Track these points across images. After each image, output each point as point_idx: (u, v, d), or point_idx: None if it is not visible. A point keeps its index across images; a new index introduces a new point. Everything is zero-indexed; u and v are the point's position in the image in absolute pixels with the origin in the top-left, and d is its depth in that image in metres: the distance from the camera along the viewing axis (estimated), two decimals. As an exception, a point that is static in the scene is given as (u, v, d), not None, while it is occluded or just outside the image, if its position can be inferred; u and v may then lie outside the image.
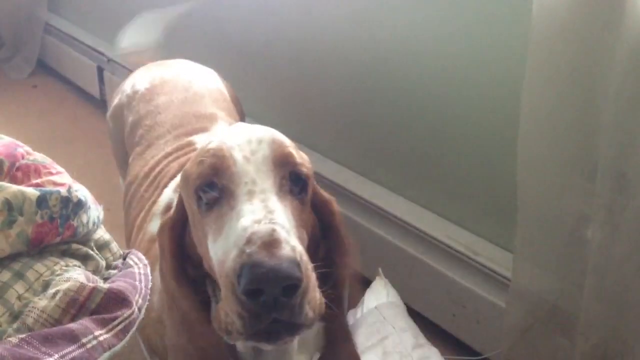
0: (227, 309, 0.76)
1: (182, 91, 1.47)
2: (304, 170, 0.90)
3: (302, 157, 0.92)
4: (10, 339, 0.60)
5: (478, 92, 1.44)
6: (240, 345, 0.95)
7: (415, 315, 1.50)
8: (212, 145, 0.89)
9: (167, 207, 1.17)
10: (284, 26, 1.88)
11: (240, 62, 2.06)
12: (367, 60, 1.66)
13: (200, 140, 1.31)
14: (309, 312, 0.76)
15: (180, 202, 0.95)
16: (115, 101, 1.58)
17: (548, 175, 1.21)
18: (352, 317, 1.42)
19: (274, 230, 0.75)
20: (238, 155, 0.86)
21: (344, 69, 1.73)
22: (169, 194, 1.22)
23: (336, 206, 0.99)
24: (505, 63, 1.36)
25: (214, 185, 0.86)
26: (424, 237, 1.58)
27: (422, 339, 1.25)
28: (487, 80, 1.41)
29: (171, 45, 1.93)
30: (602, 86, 1.10)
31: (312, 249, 0.93)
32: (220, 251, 0.81)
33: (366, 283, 1.50)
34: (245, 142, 0.88)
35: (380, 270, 1.48)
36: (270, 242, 0.73)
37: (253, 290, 0.71)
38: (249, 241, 0.74)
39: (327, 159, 1.84)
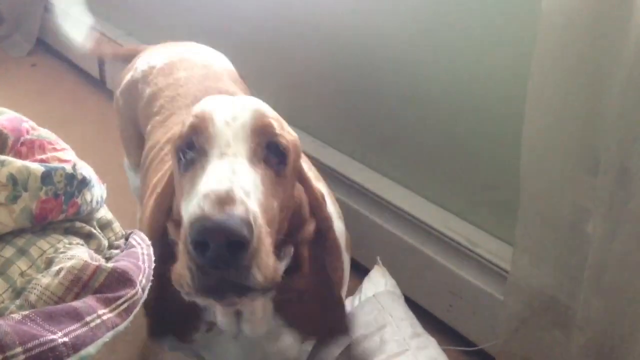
0: (181, 262, 0.79)
1: (201, 68, 1.51)
2: (283, 141, 0.91)
3: (283, 129, 0.94)
4: (13, 315, 0.60)
5: (481, 83, 1.43)
6: (220, 315, 1.00)
7: (411, 305, 1.50)
8: (196, 108, 0.92)
9: None
10: (290, 11, 1.86)
11: (242, 52, 2.05)
12: (373, 50, 1.65)
13: None
14: (258, 275, 0.78)
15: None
16: (127, 78, 1.59)
17: (551, 168, 1.21)
18: (349, 305, 1.42)
19: (230, 189, 0.77)
20: (219, 119, 0.88)
21: (349, 57, 1.72)
22: None
23: (319, 195, 1.00)
24: (510, 55, 1.36)
25: (192, 146, 0.88)
26: (424, 227, 1.58)
27: (420, 329, 1.25)
28: (490, 71, 1.40)
29: (173, 30, 1.92)
30: (607, 81, 1.09)
31: (295, 226, 0.97)
32: (188, 209, 0.84)
33: (364, 271, 1.50)
34: (228, 107, 0.91)
35: (378, 259, 1.48)
36: (224, 200, 0.76)
37: (199, 242, 0.73)
38: (205, 197, 0.76)
39: (330, 147, 1.84)
